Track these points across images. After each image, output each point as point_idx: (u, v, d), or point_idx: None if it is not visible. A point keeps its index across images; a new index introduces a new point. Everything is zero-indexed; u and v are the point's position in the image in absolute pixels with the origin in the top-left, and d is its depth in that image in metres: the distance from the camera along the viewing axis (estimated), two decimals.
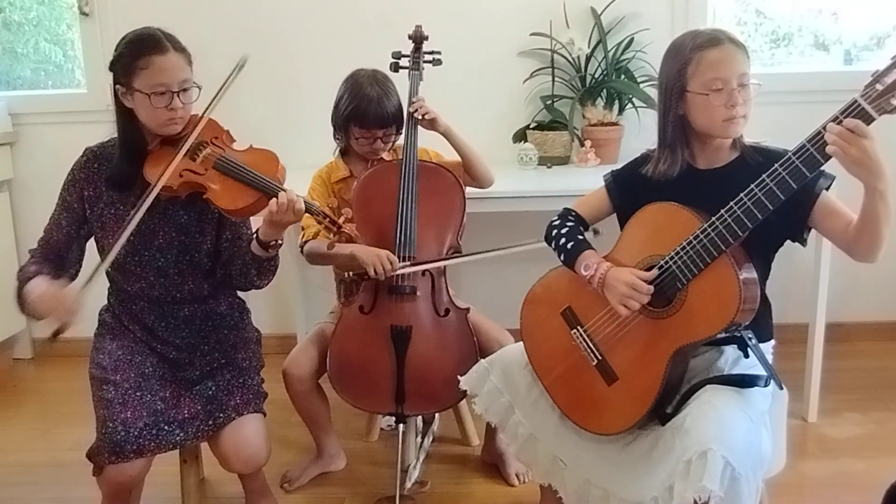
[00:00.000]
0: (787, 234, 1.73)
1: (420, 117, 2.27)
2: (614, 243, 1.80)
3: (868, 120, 1.45)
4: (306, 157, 2.57)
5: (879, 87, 1.43)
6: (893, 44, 3.29)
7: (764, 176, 1.55)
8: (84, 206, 1.97)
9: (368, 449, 2.64)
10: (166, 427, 1.88)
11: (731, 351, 1.74)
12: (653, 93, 3.01)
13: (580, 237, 1.83)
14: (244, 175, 1.91)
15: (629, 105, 3.11)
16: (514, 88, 3.22)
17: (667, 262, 1.65)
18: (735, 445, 1.49)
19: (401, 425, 2.21)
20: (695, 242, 1.61)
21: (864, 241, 1.60)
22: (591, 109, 3.11)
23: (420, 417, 2.49)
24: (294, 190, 1.91)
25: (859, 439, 2.59)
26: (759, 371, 1.68)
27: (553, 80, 3.17)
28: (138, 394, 1.90)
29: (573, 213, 1.93)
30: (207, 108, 1.94)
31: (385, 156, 2.38)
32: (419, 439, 2.47)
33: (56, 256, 1.98)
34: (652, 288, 1.66)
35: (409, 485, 2.30)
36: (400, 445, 2.24)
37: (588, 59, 3.12)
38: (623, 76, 3.11)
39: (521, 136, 3.17)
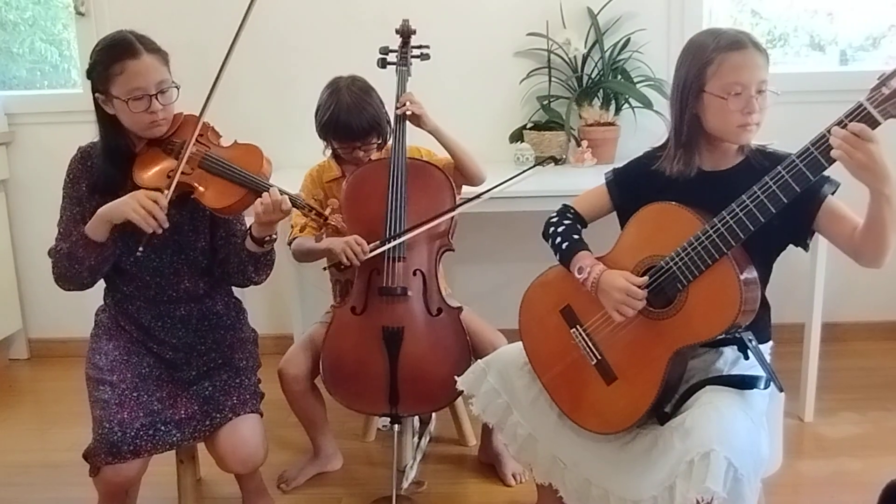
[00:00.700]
0: (791, 238, 1.72)
1: (405, 113, 2.25)
2: (614, 242, 1.80)
3: (874, 124, 1.44)
4: (303, 156, 2.57)
5: (885, 90, 1.42)
6: (889, 44, 3.30)
7: (767, 178, 1.54)
8: (85, 201, 1.96)
9: (365, 449, 2.64)
10: (163, 427, 1.87)
11: (730, 352, 1.74)
12: (650, 93, 3.02)
13: (576, 236, 1.83)
14: (229, 172, 1.90)
15: (626, 105, 3.12)
16: (511, 88, 3.22)
17: (667, 263, 1.65)
18: (737, 447, 1.50)
19: (396, 426, 2.21)
20: (696, 244, 1.60)
21: (870, 246, 1.59)
22: (587, 109, 3.11)
23: (416, 417, 2.48)
24: (284, 186, 1.91)
25: (856, 439, 2.59)
26: (759, 372, 1.68)
27: (549, 81, 3.17)
28: (135, 394, 1.90)
29: (572, 211, 1.92)
30: (201, 111, 1.93)
31: (375, 155, 2.38)
32: (416, 439, 2.47)
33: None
34: (646, 294, 1.66)
35: (405, 485, 2.29)
36: (396, 446, 2.24)
37: (585, 59, 3.12)
38: (619, 76, 3.11)
39: (517, 136, 3.17)
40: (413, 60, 2.40)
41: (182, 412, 1.92)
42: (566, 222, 1.87)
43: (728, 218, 1.57)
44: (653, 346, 1.67)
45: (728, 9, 3.34)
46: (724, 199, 1.60)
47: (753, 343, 1.67)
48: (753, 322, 1.66)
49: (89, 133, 2.02)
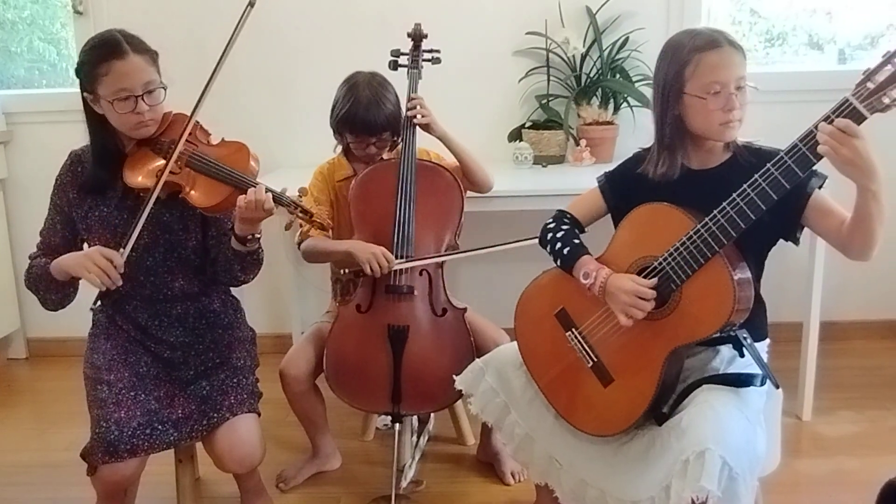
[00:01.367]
0: (781, 233, 1.73)
1: (414, 118, 2.26)
2: (607, 244, 1.80)
3: (860, 119, 1.44)
4: (304, 155, 2.57)
5: (871, 85, 1.43)
6: (887, 43, 3.30)
7: (756, 176, 1.55)
8: (71, 209, 1.97)
9: (364, 448, 2.64)
10: (160, 427, 1.87)
11: (726, 350, 1.74)
12: (648, 92, 3.02)
13: (576, 241, 1.83)
14: (215, 171, 1.90)
15: (624, 104, 3.12)
16: (510, 87, 3.22)
17: (660, 263, 1.65)
18: (733, 445, 1.50)
19: (397, 424, 2.21)
20: (688, 243, 1.61)
21: (857, 240, 1.60)
22: (586, 108, 3.11)
23: (416, 417, 2.48)
24: (284, 185, 1.90)
25: (854, 437, 2.60)
26: (755, 370, 1.69)
27: (548, 80, 3.17)
28: (132, 393, 1.90)
29: (568, 216, 1.92)
30: (192, 112, 1.92)
31: (385, 155, 2.38)
32: (415, 438, 2.47)
33: (55, 258, 1.98)
34: (654, 294, 1.65)
35: (404, 484, 2.30)
36: (396, 445, 2.24)
37: (583, 58, 3.13)
38: (618, 75, 3.11)
39: (516, 136, 3.18)
40: (424, 64, 2.41)
41: (179, 411, 1.92)
42: (564, 227, 1.87)
43: (719, 216, 1.58)
44: (649, 346, 1.68)
45: (727, 7, 3.34)
46: (714, 197, 1.60)
47: (748, 341, 1.68)
48: (748, 320, 1.66)
49: (87, 132, 2.02)
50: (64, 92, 3.50)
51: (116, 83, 1.83)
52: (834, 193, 1.70)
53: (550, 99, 3.18)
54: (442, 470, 2.47)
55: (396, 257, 2.17)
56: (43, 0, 3.51)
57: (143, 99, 1.85)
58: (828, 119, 1.47)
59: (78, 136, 2.05)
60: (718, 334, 1.63)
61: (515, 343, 1.92)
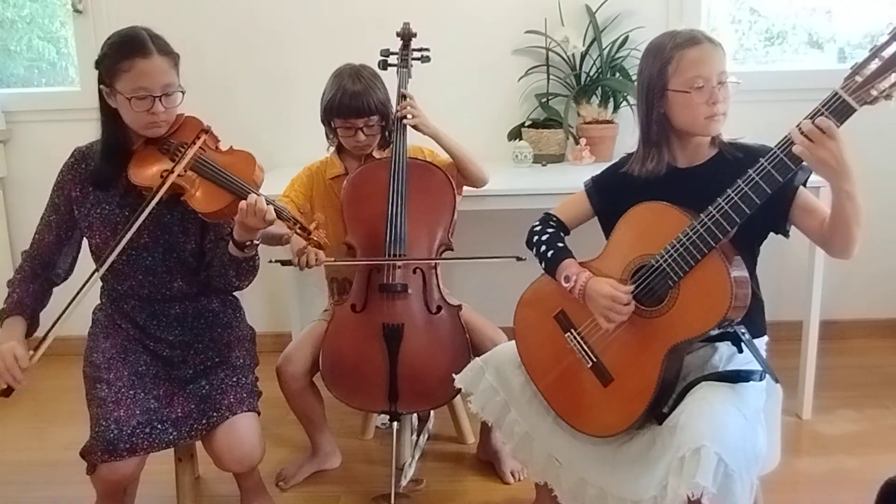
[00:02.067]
0: (770, 226, 1.75)
1: (404, 118, 2.26)
2: (601, 247, 1.81)
3: (849, 111, 1.46)
4: (298, 155, 2.57)
5: (859, 78, 1.45)
6: (882, 41, 3.29)
7: (750, 171, 1.56)
8: (72, 207, 1.97)
9: (363, 447, 2.64)
10: (159, 426, 1.87)
11: (725, 347, 1.75)
12: None
13: (560, 244, 1.84)
14: (219, 177, 1.89)
15: (624, 103, 3.12)
16: (509, 86, 3.22)
17: (657, 261, 1.66)
18: (729, 442, 1.50)
19: (395, 423, 2.21)
20: (684, 240, 1.62)
21: (836, 239, 1.63)
22: (585, 107, 3.11)
23: (415, 415, 2.48)
24: (277, 185, 1.90)
25: (853, 436, 2.60)
26: (754, 367, 1.69)
27: (548, 78, 3.17)
28: (131, 392, 1.90)
29: (554, 219, 1.93)
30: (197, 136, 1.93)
31: (376, 154, 2.38)
32: (414, 437, 2.47)
33: (47, 259, 2.00)
34: (632, 301, 1.67)
35: (404, 483, 2.30)
36: (395, 443, 2.24)
37: (583, 56, 3.13)
38: (618, 74, 3.12)
39: (516, 134, 3.17)
40: (413, 62, 2.41)
41: (179, 410, 1.92)
42: (549, 230, 1.88)
43: (714, 212, 1.59)
44: (647, 344, 1.68)
45: (726, 6, 3.34)
46: (703, 195, 1.62)
47: (747, 336, 1.68)
48: (746, 316, 1.67)
49: (87, 131, 2.02)
50: (63, 91, 3.51)
51: (136, 81, 1.83)
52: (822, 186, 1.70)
53: (550, 98, 3.18)
54: (442, 468, 2.47)
55: (389, 255, 2.17)
56: None
57: (160, 100, 1.85)
58: (818, 112, 1.49)
59: (77, 135, 2.05)
60: (717, 331, 1.64)
61: (514, 342, 1.93)
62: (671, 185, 1.74)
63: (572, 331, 1.80)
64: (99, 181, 1.95)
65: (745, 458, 1.52)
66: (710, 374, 1.69)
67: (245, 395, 1.99)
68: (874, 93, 1.44)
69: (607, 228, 1.82)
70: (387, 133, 2.35)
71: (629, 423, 1.70)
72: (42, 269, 2.00)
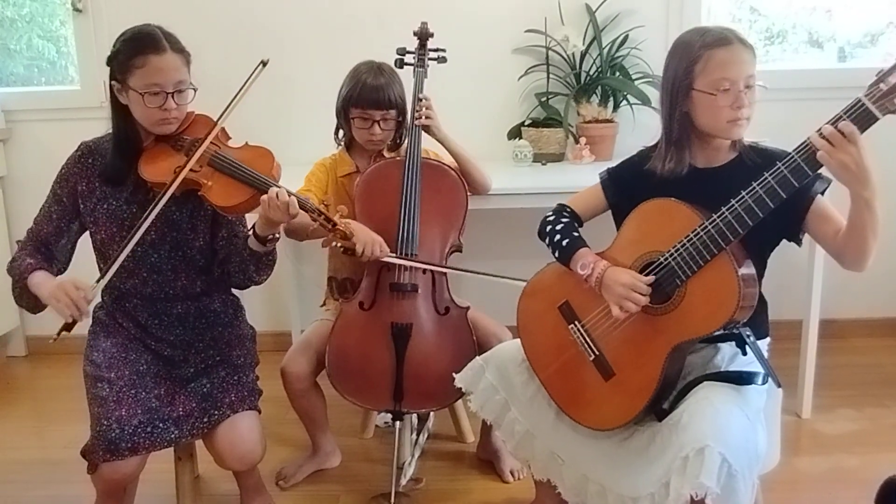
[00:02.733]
0: (784, 233, 1.73)
1: (418, 118, 2.28)
2: (610, 240, 1.80)
3: (872, 119, 1.45)
4: (301, 154, 2.56)
5: (884, 86, 1.43)
6: (887, 41, 3.30)
7: (765, 174, 1.55)
8: (77, 200, 1.97)
9: (363, 446, 2.64)
10: (161, 425, 1.87)
11: (727, 348, 1.75)
12: (648, 90, 3.02)
13: (575, 234, 1.83)
14: (238, 172, 1.90)
15: (624, 102, 3.12)
16: (509, 85, 3.22)
17: (666, 259, 1.66)
18: (732, 442, 1.50)
19: (397, 422, 2.21)
20: (694, 239, 1.61)
21: (851, 249, 1.61)
22: (585, 106, 3.11)
23: (415, 414, 2.48)
24: (283, 184, 1.91)
25: (853, 435, 2.60)
26: (756, 368, 1.69)
27: (548, 77, 3.17)
28: (133, 391, 1.89)
29: (568, 209, 1.92)
30: (221, 115, 1.94)
31: (386, 154, 2.38)
32: (414, 436, 2.47)
33: (45, 249, 1.99)
34: (649, 289, 1.66)
35: (404, 482, 2.30)
36: (396, 442, 2.24)
37: (583, 56, 3.12)
38: (618, 73, 3.11)
39: (515, 133, 3.17)
40: (430, 63, 2.42)
41: (180, 409, 1.92)
42: (564, 220, 1.87)
43: (727, 213, 1.58)
44: (651, 341, 1.68)
45: (727, 5, 3.34)
46: (718, 196, 1.60)
47: (751, 339, 1.68)
48: (751, 318, 1.66)
49: (86, 130, 2.02)
50: (63, 90, 3.50)
51: (149, 77, 1.83)
52: (836, 199, 1.69)
53: (550, 97, 3.17)
54: (441, 467, 2.47)
55: (400, 255, 2.17)
56: None
57: (172, 97, 1.86)
58: (839, 119, 1.47)
59: (77, 134, 2.05)
60: (721, 331, 1.64)
61: (516, 341, 1.93)
62: (687, 184, 1.73)
63: (576, 323, 1.80)
64: (111, 176, 1.94)
65: (747, 458, 1.52)
66: (713, 373, 1.69)
67: (246, 393, 1.99)
68: None
69: (621, 222, 1.80)
70: (399, 134, 2.37)
71: (628, 418, 1.70)
72: (41, 254, 1.97)
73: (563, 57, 3.13)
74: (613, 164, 1.95)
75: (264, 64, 1.94)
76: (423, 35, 2.43)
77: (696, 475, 1.47)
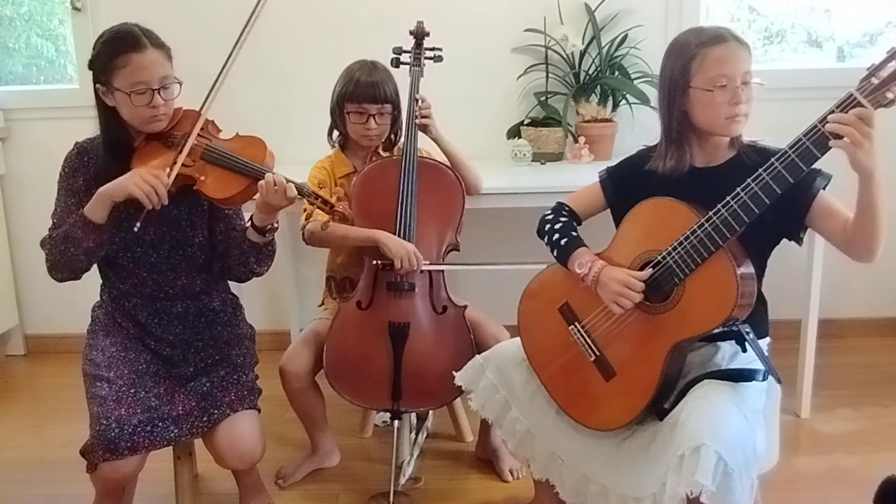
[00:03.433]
0: (784, 232, 1.74)
1: (417, 117, 2.28)
2: (610, 239, 1.80)
3: None
4: (299, 153, 2.56)
5: (875, 80, 1.44)
6: (886, 41, 3.30)
7: (760, 171, 1.56)
8: (81, 195, 1.96)
9: (362, 445, 2.64)
10: (160, 424, 1.87)
11: (727, 346, 1.75)
12: (647, 89, 3.02)
13: (573, 233, 1.84)
14: (232, 162, 1.90)
15: (623, 101, 3.12)
16: (508, 85, 3.22)
17: (664, 257, 1.66)
18: (728, 441, 1.50)
19: (396, 421, 2.21)
20: (692, 237, 1.61)
21: (863, 238, 1.60)
22: (584, 106, 3.11)
23: (414, 413, 2.49)
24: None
25: (851, 435, 2.60)
26: (757, 366, 1.69)
27: (547, 77, 3.17)
28: (132, 391, 1.89)
29: (566, 208, 1.93)
30: (203, 105, 1.92)
31: (382, 153, 2.38)
32: (413, 435, 2.47)
33: None
34: (643, 286, 1.66)
35: (403, 481, 2.30)
36: (395, 441, 2.24)
37: (582, 55, 3.12)
38: (617, 73, 3.11)
39: (514, 133, 3.17)
40: (426, 62, 2.42)
41: (179, 408, 1.92)
42: (562, 219, 1.87)
43: (723, 210, 1.58)
44: (651, 340, 1.68)
45: (726, 5, 3.34)
46: (718, 195, 1.61)
47: (751, 336, 1.68)
48: (750, 316, 1.66)
49: (86, 128, 2.02)
50: (61, 88, 3.50)
51: (134, 76, 1.83)
52: (836, 193, 1.70)
53: (549, 96, 3.17)
54: (440, 467, 2.47)
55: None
56: None
57: (158, 93, 1.85)
58: (831, 113, 1.47)
59: (76, 133, 2.05)
60: (721, 329, 1.64)
61: (516, 339, 1.93)
62: (686, 184, 1.73)
63: (576, 323, 1.81)
64: (104, 178, 1.93)
65: (744, 456, 1.52)
66: (712, 371, 1.69)
67: (245, 392, 1.99)
68: (890, 95, 1.43)
69: (620, 221, 1.81)
70: (394, 132, 2.37)
71: (630, 417, 1.70)
72: None
73: (562, 56, 3.13)
74: (612, 163, 1.95)
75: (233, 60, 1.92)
76: (420, 34, 2.43)
77: (691, 473, 1.47)
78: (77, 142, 2.01)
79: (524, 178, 2.85)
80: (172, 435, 1.88)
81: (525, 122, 3.17)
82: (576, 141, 3.08)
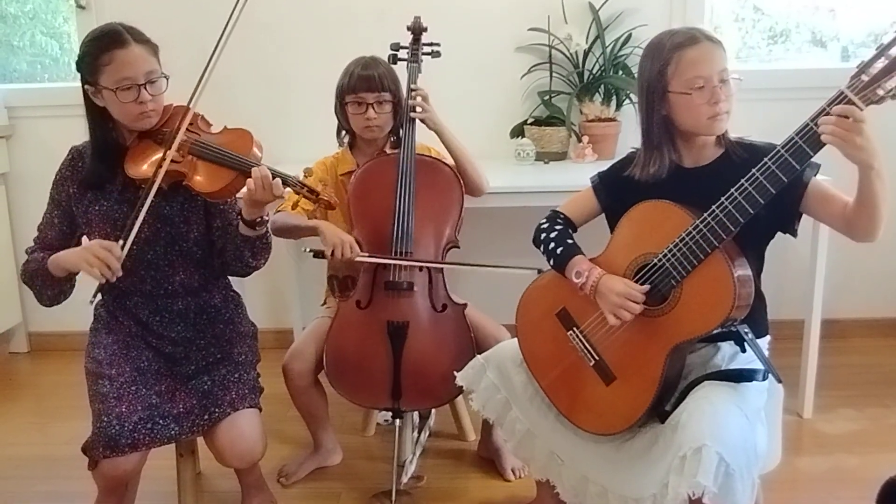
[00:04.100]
0: (778, 225, 1.74)
1: (413, 108, 2.27)
2: (606, 243, 1.80)
3: None
4: (298, 152, 2.57)
5: (865, 77, 1.44)
6: (888, 39, 3.29)
7: (754, 171, 1.56)
8: (70, 203, 1.97)
9: (365, 444, 2.64)
10: (161, 421, 1.87)
11: (727, 347, 1.75)
12: None
13: (569, 241, 1.84)
14: (218, 156, 1.90)
15: (627, 101, 3.11)
16: (512, 84, 3.22)
17: (660, 260, 1.66)
18: (730, 441, 1.50)
19: (397, 420, 2.21)
20: (687, 239, 1.61)
21: (863, 220, 1.60)
22: (588, 105, 3.11)
23: (416, 412, 2.49)
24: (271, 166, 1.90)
25: (854, 435, 2.60)
26: (757, 366, 1.69)
27: (551, 76, 3.17)
28: (133, 388, 1.90)
29: (561, 216, 1.93)
30: (190, 99, 1.92)
31: (388, 151, 2.38)
32: (415, 434, 2.47)
33: (52, 253, 1.98)
34: (644, 298, 1.66)
35: (405, 479, 2.30)
36: (396, 440, 2.24)
37: (586, 54, 3.12)
38: (621, 72, 3.11)
39: (518, 132, 3.17)
40: (424, 57, 2.41)
41: (181, 406, 1.92)
42: (558, 227, 1.87)
43: (718, 211, 1.58)
44: (650, 343, 1.68)
45: (730, 4, 3.34)
46: (709, 195, 1.61)
47: (750, 336, 1.68)
48: (749, 316, 1.66)
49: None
50: (66, 86, 3.50)
51: (119, 72, 1.83)
52: (834, 182, 1.70)
53: (553, 95, 3.17)
54: (442, 466, 2.47)
55: (395, 253, 2.17)
56: None
57: (145, 88, 1.86)
58: (824, 112, 1.48)
59: (80, 131, 2.05)
60: (719, 330, 1.64)
61: (515, 339, 1.93)
62: (677, 185, 1.73)
63: (574, 329, 1.80)
64: (93, 182, 1.95)
65: (745, 457, 1.52)
66: (713, 372, 1.69)
67: (247, 391, 1.99)
68: (880, 92, 1.43)
69: (614, 225, 1.81)
70: (398, 129, 2.35)
71: (631, 421, 1.70)
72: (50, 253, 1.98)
73: (565, 55, 3.13)
74: (600, 170, 1.95)
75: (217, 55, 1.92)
76: (417, 29, 2.42)
77: (693, 474, 1.47)
78: (73, 146, 2.02)
79: (527, 178, 2.85)
80: (173, 432, 1.89)
81: (528, 122, 3.17)
82: (579, 140, 3.08)
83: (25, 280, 2.00)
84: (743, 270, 1.62)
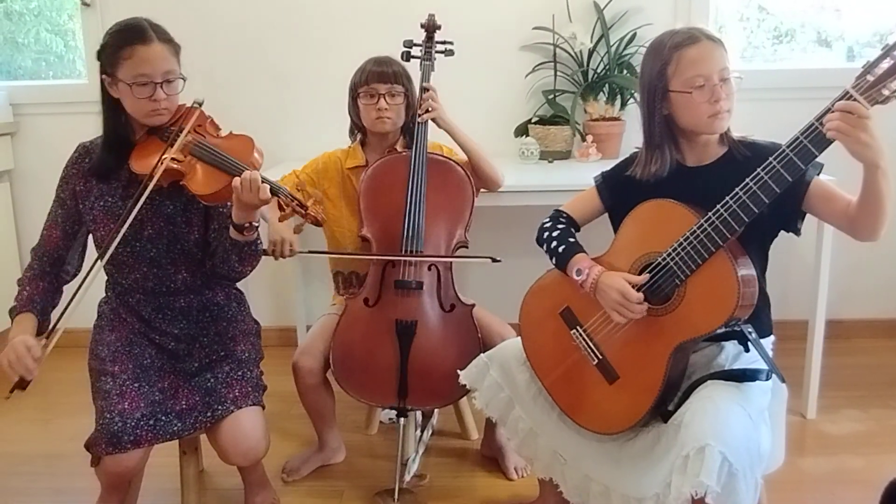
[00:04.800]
0: (781, 224, 1.73)
1: (423, 109, 2.27)
2: (610, 242, 1.80)
3: None
4: (300, 149, 2.58)
5: (870, 77, 1.44)
6: (893, 39, 3.28)
7: (758, 170, 1.55)
8: (76, 201, 1.98)
9: (368, 442, 2.65)
10: (164, 418, 1.88)
11: (731, 346, 1.74)
12: None
13: (571, 240, 1.84)
14: (216, 159, 1.89)
15: (631, 100, 3.11)
16: (516, 82, 3.22)
17: (664, 259, 1.66)
18: (733, 441, 1.50)
19: (401, 419, 2.21)
20: (692, 238, 1.61)
21: (868, 220, 1.59)
22: (592, 104, 3.10)
23: (420, 411, 2.49)
24: (271, 178, 1.90)
25: (858, 436, 2.59)
26: (760, 366, 1.69)
27: (555, 75, 3.17)
28: (136, 385, 1.90)
29: (564, 215, 1.93)
30: (193, 103, 1.93)
31: (399, 149, 2.38)
32: (418, 433, 2.47)
33: (56, 255, 2.01)
34: (641, 297, 1.66)
35: (408, 478, 2.30)
36: (400, 439, 2.24)
37: (590, 53, 3.12)
38: (625, 71, 3.11)
39: (522, 131, 3.17)
40: (437, 56, 2.42)
41: (183, 403, 1.92)
42: (560, 226, 1.88)
43: (722, 210, 1.58)
44: (653, 342, 1.68)
45: (735, 4, 3.33)
46: (712, 194, 1.61)
47: (753, 335, 1.68)
48: (753, 315, 1.66)
49: (94, 124, 2.02)
50: (71, 84, 3.51)
51: (137, 68, 1.83)
52: (838, 181, 1.70)
53: (557, 94, 3.17)
54: (445, 464, 2.47)
55: (405, 251, 2.17)
56: None
57: (161, 87, 1.86)
58: (828, 111, 1.47)
59: (85, 128, 2.06)
60: (723, 329, 1.63)
61: (519, 338, 1.92)
62: (680, 184, 1.73)
63: (578, 328, 1.80)
64: (101, 172, 1.95)
65: (749, 457, 1.52)
66: (716, 372, 1.69)
67: (250, 388, 1.99)
68: (886, 92, 1.43)
69: (617, 224, 1.81)
70: (410, 129, 2.35)
71: (634, 421, 1.70)
72: (51, 266, 2.01)
73: (570, 54, 3.13)
74: (603, 170, 1.95)
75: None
76: (431, 27, 2.42)
77: (696, 474, 1.47)
78: (80, 143, 2.02)
79: (531, 177, 2.85)
80: (175, 429, 1.89)
81: (533, 120, 3.17)
82: (583, 139, 3.08)
83: (18, 286, 2.00)
84: (747, 270, 1.61)
